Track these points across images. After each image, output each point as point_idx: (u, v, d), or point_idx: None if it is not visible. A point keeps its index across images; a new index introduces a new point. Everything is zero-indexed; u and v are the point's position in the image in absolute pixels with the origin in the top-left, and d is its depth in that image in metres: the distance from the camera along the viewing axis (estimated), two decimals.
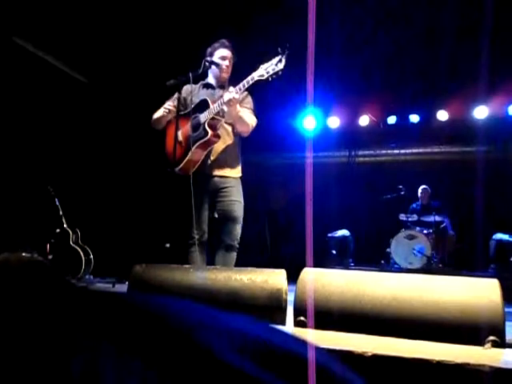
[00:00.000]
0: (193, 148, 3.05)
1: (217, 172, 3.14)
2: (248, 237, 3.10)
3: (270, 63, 2.84)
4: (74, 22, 5.36)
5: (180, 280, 2.28)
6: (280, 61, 2.81)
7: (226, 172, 3.15)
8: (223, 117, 3.08)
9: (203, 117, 3.04)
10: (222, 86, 3.24)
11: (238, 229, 3.08)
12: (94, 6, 5.22)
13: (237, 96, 2.91)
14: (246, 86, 2.92)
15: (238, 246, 3.08)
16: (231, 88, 2.96)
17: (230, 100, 2.89)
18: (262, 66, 2.86)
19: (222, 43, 3.20)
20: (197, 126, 3.07)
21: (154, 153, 3.28)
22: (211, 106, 3.02)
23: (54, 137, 5.83)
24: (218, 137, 3.07)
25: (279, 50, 2.81)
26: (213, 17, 5.34)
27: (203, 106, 3.08)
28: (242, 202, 3.16)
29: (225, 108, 2.98)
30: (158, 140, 3.32)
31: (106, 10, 5.31)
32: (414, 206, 6.86)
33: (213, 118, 3.03)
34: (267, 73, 2.83)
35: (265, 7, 5.29)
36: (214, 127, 3.05)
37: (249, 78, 2.90)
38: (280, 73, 2.83)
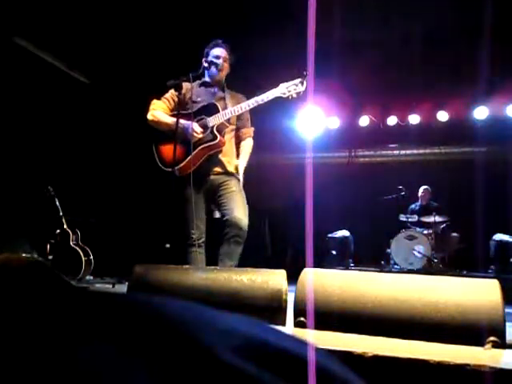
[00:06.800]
0: (197, 149, 3.09)
1: (216, 169, 3.17)
2: (248, 237, 3.08)
3: (291, 83, 2.94)
4: (76, 22, 5.36)
5: (180, 280, 2.28)
6: (301, 83, 2.92)
7: (225, 167, 3.18)
8: (230, 124, 3.17)
9: (212, 120, 3.08)
10: (221, 86, 3.29)
11: (245, 219, 3.00)
12: (95, 7, 5.22)
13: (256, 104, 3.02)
14: (265, 101, 2.99)
15: (245, 236, 2.98)
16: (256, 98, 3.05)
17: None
18: (282, 84, 2.97)
19: (217, 43, 3.26)
20: (203, 129, 3.10)
21: (154, 153, 3.28)
22: (221, 112, 3.07)
23: (54, 137, 5.84)
24: (224, 144, 3.13)
25: (304, 72, 2.90)
26: (213, 17, 5.34)
27: (211, 109, 3.12)
28: (244, 195, 3.16)
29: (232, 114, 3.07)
30: (156, 140, 3.32)
31: (107, 10, 5.32)
32: (413, 206, 6.86)
33: (221, 123, 3.09)
34: (288, 91, 2.93)
35: (264, 7, 5.29)
36: (221, 132, 3.11)
37: (268, 93, 2.98)
38: (300, 94, 2.94)
